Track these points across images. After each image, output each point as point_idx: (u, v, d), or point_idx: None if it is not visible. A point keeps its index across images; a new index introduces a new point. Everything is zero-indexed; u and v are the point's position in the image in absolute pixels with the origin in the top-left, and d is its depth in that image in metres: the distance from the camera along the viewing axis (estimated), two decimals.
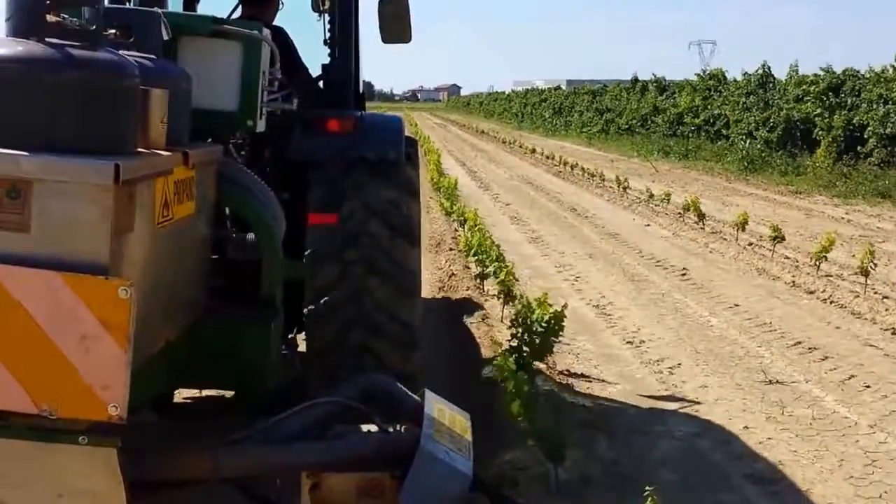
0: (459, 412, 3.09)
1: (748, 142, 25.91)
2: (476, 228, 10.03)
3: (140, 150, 2.65)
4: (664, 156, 30.12)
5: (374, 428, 2.94)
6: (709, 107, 30.82)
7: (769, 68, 27.42)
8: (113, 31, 2.81)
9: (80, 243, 2.31)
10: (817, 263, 9.72)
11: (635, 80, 41.90)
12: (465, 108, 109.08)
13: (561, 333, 5.28)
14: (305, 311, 3.86)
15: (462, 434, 2.93)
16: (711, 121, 30.34)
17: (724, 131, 28.86)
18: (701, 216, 13.20)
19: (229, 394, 4.22)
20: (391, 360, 3.80)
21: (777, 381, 6.10)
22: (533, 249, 11.84)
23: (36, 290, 2.27)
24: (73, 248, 2.31)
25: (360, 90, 4.86)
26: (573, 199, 17.88)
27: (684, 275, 9.97)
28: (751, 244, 11.86)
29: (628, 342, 7.10)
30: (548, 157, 28.26)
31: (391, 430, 2.93)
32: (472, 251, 8.95)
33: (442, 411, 2.99)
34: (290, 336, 4.31)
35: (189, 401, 4.45)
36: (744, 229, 11.97)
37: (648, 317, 7.94)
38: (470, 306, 7.93)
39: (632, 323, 7.70)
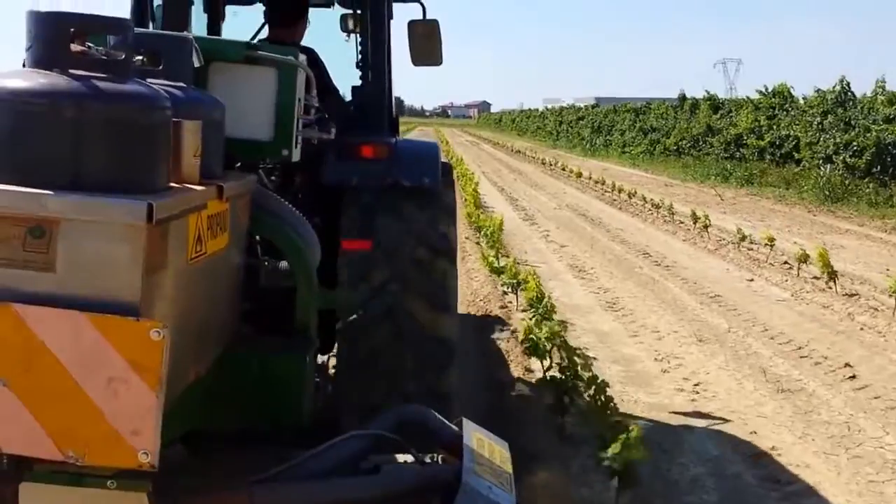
0: (499, 442, 2.97)
1: (828, 167, 22.54)
2: (545, 309, 6.94)
3: (173, 185, 2.49)
4: (723, 181, 26.86)
5: (411, 460, 2.81)
6: (774, 127, 27.49)
7: (848, 84, 24.07)
8: (140, 58, 2.72)
9: (108, 283, 2.19)
10: None
11: (683, 98, 38.66)
12: (496, 125, 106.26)
13: None
14: (338, 327, 3.75)
15: (502, 466, 2.79)
16: (778, 143, 27.00)
17: (794, 154, 25.50)
18: (833, 275, 9.95)
19: None
20: (426, 377, 3.70)
21: None
22: (612, 322, 8.69)
23: (61, 332, 2.15)
24: (102, 288, 2.18)
25: (394, 113, 4.64)
26: (641, 238, 14.69)
27: (854, 378, 6.77)
28: None
29: None
30: (597, 182, 25.08)
31: (429, 461, 2.82)
32: (541, 351, 5.84)
33: (481, 441, 2.87)
34: (321, 362, 4.28)
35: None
36: None
37: (852, 490, 4.76)
38: (543, 470, 4.80)
39: None
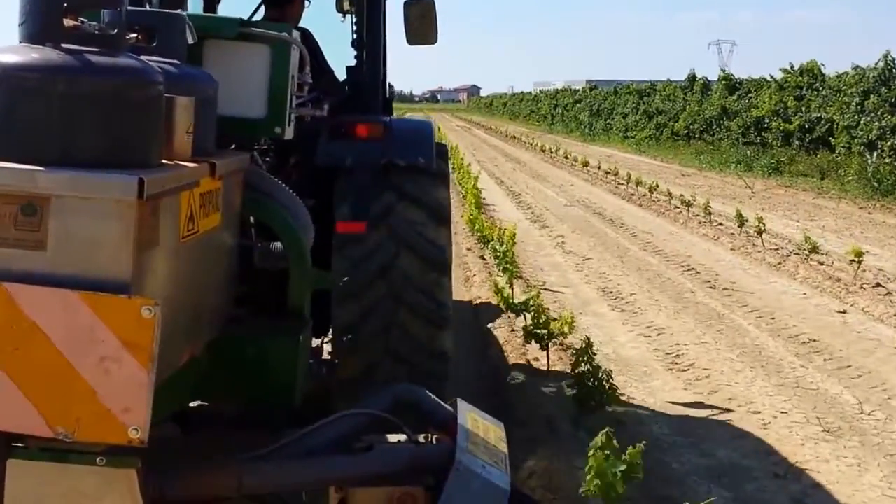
0: (493, 422, 2.98)
1: (873, 154, 19.91)
2: (602, 389, 4.35)
3: (164, 161, 2.49)
4: (746, 169, 24.23)
5: (404, 439, 2.82)
6: (803, 109, 24.83)
7: (893, 61, 21.37)
8: (134, 34, 2.74)
9: (100, 261, 2.19)
10: None
11: (693, 78, 35.93)
12: (487, 109, 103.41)
13: None
14: (334, 298, 3.71)
15: (497, 445, 2.81)
16: (807, 126, 24.35)
17: (830, 140, 22.85)
18: None
19: None
20: (420, 338, 3.74)
21: None
22: (685, 392, 6.07)
23: (53, 311, 2.15)
24: (94, 266, 2.18)
25: (388, 94, 4.71)
26: (678, 246, 12.07)
27: None
28: None
29: None
30: (607, 172, 22.40)
31: (423, 441, 2.82)
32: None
33: (476, 421, 2.88)
34: (315, 345, 4.13)
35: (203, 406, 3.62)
36: None
37: None
38: None
39: None
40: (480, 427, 2.86)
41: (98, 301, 2.13)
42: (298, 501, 2.89)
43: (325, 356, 4.13)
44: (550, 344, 6.26)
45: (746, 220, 12.42)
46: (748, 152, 26.08)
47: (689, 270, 10.39)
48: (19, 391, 2.15)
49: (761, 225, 11.68)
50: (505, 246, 8.45)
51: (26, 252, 2.15)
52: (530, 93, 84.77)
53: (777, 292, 9.23)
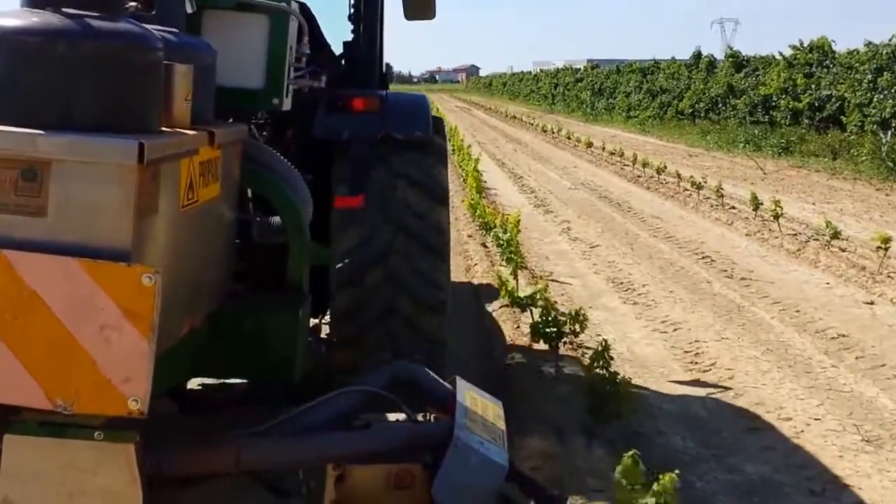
0: (492, 400, 2.98)
1: (888, 133, 19.29)
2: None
3: (164, 129, 2.46)
4: (755, 149, 23.62)
5: (403, 417, 2.80)
6: (812, 87, 24.16)
7: None
8: (133, 2, 2.76)
9: (100, 228, 2.17)
10: None
11: (698, 56, 35.20)
12: (486, 89, 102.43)
13: None
14: (332, 276, 3.71)
15: (495, 423, 2.80)
16: (818, 105, 23.69)
17: (841, 118, 22.19)
18: None
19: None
20: (418, 322, 3.74)
21: None
22: (702, 393, 5.55)
23: (53, 278, 2.13)
24: (94, 234, 2.17)
25: (385, 72, 4.70)
26: (689, 231, 11.52)
27: None
28: None
29: None
30: (612, 154, 21.80)
31: (421, 419, 2.81)
32: None
33: (474, 399, 2.87)
34: (314, 324, 4.13)
35: (202, 388, 3.78)
36: None
37: None
38: None
39: None
40: (479, 405, 2.86)
41: (98, 269, 2.12)
42: (295, 478, 2.88)
43: (324, 335, 4.09)
44: (560, 343, 5.74)
45: (761, 204, 11.87)
46: (756, 132, 25.45)
47: (703, 258, 9.85)
48: (18, 361, 2.14)
49: (778, 209, 11.11)
50: (509, 234, 7.90)
51: (26, 219, 2.14)
52: (530, 72, 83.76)
53: (799, 282, 8.69)
